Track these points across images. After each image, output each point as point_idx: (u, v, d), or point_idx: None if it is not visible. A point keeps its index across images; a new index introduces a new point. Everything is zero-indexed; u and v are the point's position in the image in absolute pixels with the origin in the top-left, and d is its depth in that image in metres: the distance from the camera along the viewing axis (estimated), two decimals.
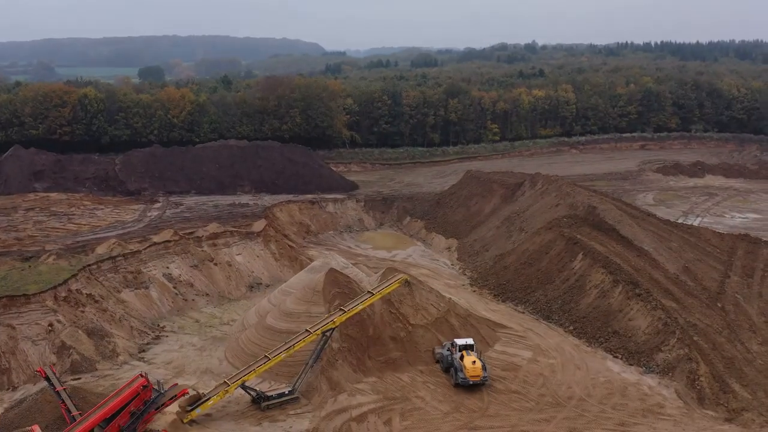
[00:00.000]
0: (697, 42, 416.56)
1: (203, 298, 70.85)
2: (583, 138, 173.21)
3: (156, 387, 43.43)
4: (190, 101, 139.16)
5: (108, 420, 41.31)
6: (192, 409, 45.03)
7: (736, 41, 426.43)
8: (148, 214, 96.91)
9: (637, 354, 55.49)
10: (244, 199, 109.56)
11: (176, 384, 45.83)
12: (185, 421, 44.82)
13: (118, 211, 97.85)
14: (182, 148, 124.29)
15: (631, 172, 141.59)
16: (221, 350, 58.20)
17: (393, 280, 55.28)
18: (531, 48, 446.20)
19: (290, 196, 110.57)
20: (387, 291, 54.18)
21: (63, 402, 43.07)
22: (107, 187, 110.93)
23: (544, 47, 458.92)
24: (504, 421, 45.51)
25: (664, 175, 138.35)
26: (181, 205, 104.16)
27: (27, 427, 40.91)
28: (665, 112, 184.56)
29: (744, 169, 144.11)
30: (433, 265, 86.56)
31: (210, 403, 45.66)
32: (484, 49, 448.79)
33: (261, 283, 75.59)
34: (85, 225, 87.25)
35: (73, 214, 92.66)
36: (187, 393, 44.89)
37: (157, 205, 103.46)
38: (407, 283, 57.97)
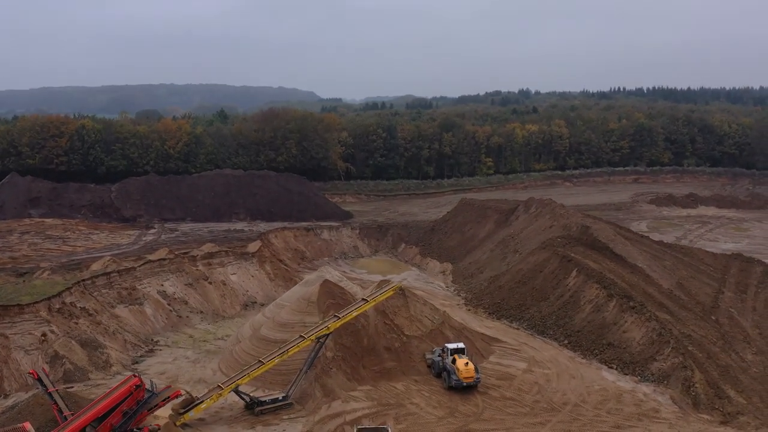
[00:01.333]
0: (689, 88, 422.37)
1: (198, 315, 70.77)
2: (576, 171, 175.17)
3: (149, 388, 43.29)
4: (187, 132, 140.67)
5: (100, 419, 41.11)
6: (185, 412, 44.75)
7: (727, 88, 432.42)
8: (144, 239, 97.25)
9: (632, 364, 55.46)
10: (240, 225, 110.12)
11: (170, 386, 45.72)
12: (178, 423, 44.49)
13: (113, 235, 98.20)
14: (178, 176, 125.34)
15: (624, 203, 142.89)
16: (215, 362, 58.03)
17: (387, 288, 55.48)
18: (525, 93, 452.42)
19: (285, 223, 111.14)
20: (381, 298, 54.32)
21: (55, 403, 42.85)
22: (103, 214, 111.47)
23: (537, 93, 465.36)
24: (499, 425, 45.34)
25: (657, 206, 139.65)
26: (177, 230, 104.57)
27: (18, 424, 40.55)
28: (657, 147, 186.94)
29: (736, 200, 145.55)
30: (427, 287, 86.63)
31: (203, 406, 45.45)
32: (478, 94, 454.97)
33: (256, 302, 75.59)
34: (80, 247, 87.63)
35: (69, 238, 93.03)
36: (181, 395, 44.68)
37: (153, 230, 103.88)
38: (402, 291, 58.17)
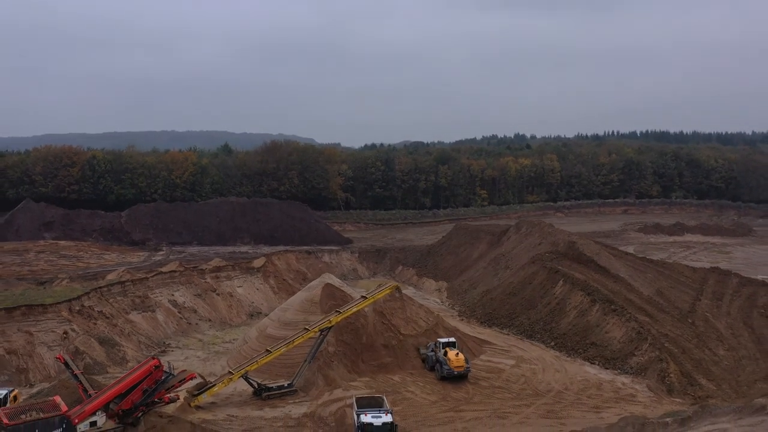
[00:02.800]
0: (682, 132, 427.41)
1: (206, 322, 74.40)
2: (567, 203, 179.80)
3: (167, 369, 46.87)
4: (193, 163, 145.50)
5: (122, 396, 44.67)
6: (198, 394, 48.34)
7: (722, 133, 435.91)
8: (153, 259, 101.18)
9: (612, 360, 59.13)
10: (244, 248, 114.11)
11: (185, 369, 49.26)
12: (192, 405, 48.02)
13: (123, 256, 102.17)
14: (185, 203, 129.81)
15: (613, 231, 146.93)
16: (224, 360, 61.56)
17: (385, 287, 59.40)
18: (520, 138, 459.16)
19: (288, 247, 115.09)
20: (379, 296, 58.22)
21: (81, 383, 46.43)
22: (113, 237, 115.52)
23: (533, 137, 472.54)
24: (487, 406, 48.85)
25: (645, 233, 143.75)
26: (184, 252, 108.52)
27: (49, 398, 44.14)
28: (646, 180, 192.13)
29: (721, 228, 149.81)
30: (423, 302, 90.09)
31: (215, 389, 49.03)
32: (474, 138, 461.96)
33: (260, 312, 79.18)
34: (93, 264, 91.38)
35: (82, 257, 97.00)
36: (195, 378, 48.24)
37: (161, 252, 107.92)
38: (398, 290, 62.05)
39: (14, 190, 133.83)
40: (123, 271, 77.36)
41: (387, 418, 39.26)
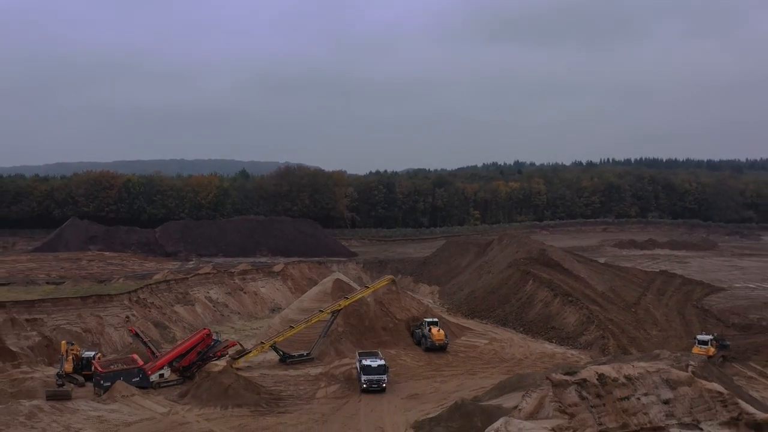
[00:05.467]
0: (675, 159, 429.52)
1: (236, 315, 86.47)
2: (552, 222, 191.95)
3: (215, 338, 59.09)
4: (216, 186, 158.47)
5: (182, 356, 56.81)
6: (238, 358, 60.32)
7: (715, 160, 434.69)
8: (185, 267, 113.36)
9: (567, 338, 70.99)
10: (263, 259, 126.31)
11: (227, 339, 61.39)
12: (233, 366, 59.97)
13: (160, 264, 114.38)
14: (210, 221, 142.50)
15: (591, 246, 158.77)
16: (253, 341, 73.51)
17: (384, 279, 71.61)
18: (519, 165, 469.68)
19: (301, 258, 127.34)
20: (379, 286, 70.42)
21: (149, 348, 58.63)
22: (148, 250, 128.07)
23: (532, 164, 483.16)
24: (463, 368, 60.73)
25: (620, 248, 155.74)
26: (211, 262, 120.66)
27: (128, 355, 56.36)
28: (625, 202, 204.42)
29: (689, 243, 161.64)
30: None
31: (250, 355, 61.03)
32: (476, 165, 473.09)
33: (280, 308, 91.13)
34: (138, 269, 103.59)
35: (126, 264, 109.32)
36: (236, 345, 60.40)
37: (191, 262, 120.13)
38: (394, 282, 74.20)
39: (60, 210, 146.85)
40: (166, 272, 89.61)
41: (381, 362, 51.37)
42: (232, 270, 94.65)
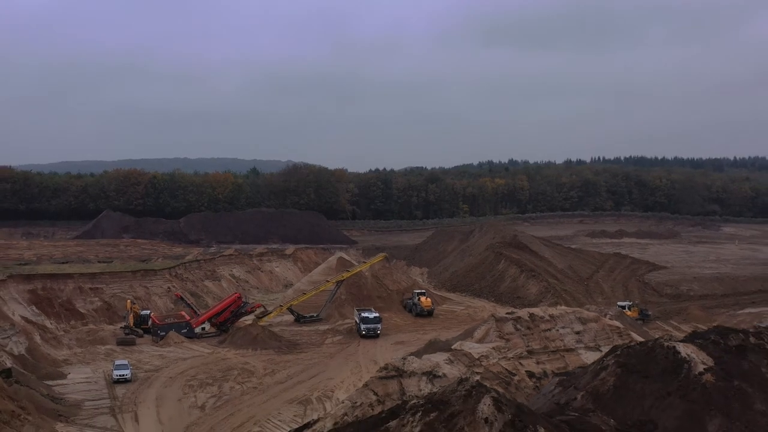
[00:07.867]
0: (663, 157, 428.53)
1: (255, 289, 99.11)
2: (534, 215, 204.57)
3: (244, 300, 71.86)
4: (231, 182, 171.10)
5: (219, 314, 69.54)
6: (262, 317, 72.96)
7: (702, 158, 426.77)
8: (208, 252, 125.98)
9: (528, 305, 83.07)
10: (274, 246, 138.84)
11: (254, 300, 74.14)
12: (259, 323, 72.67)
13: (186, 250, 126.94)
14: (227, 212, 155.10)
15: (567, 235, 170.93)
16: (271, 307, 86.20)
17: (378, 255, 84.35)
18: (513, 163, 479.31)
19: (308, 245, 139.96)
20: (375, 261, 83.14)
21: (192, 308, 71.42)
22: (174, 238, 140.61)
23: (526, 162, 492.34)
24: (441, 325, 73.46)
25: (591, 237, 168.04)
26: (230, 248, 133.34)
27: (177, 312, 69.14)
28: (601, 196, 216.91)
29: (653, 233, 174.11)
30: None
31: (271, 315, 73.60)
32: (472, 164, 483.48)
33: (292, 284, 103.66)
34: (168, 253, 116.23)
35: (157, 250, 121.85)
36: (260, 306, 73.13)
37: (212, 248, 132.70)
38: (386, 259, 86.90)
39: (94, 203, 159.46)
40: (197, 253, 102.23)
41: (376, 314, 64.20)
42: (251, 252, 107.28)
